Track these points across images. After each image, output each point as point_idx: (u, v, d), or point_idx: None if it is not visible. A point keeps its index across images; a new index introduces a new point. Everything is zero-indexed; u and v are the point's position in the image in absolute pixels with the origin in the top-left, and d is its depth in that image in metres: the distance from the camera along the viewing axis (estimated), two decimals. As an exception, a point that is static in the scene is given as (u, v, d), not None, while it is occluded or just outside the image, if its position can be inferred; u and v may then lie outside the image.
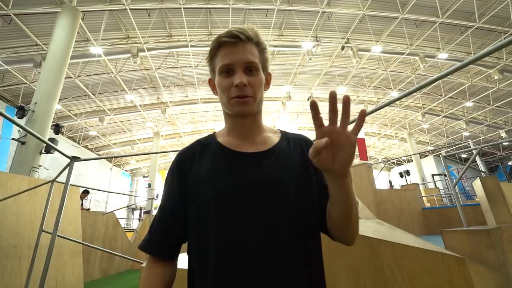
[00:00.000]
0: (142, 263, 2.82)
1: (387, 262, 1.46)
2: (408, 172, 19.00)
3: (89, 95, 12.64)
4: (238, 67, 0.62)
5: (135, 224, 20.56)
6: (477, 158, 11.18)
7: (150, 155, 18.73)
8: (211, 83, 0.72)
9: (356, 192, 6.20)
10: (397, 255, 1.44)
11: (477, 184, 2.95)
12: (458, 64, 1.55)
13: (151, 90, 14.11)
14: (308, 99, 15.67)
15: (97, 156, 17.74)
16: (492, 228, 1.84)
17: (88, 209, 7.65)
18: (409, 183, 15.98)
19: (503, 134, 17.44)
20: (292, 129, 16.53)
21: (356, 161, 22.16)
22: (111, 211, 6.40)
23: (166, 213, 0.67)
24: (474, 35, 10.59)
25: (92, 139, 17.53)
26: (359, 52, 11.12)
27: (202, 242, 0.59)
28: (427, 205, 10.90)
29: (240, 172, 0.62)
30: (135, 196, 16.64)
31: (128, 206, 15.33)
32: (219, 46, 0.64)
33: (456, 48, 11.37)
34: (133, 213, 23.60)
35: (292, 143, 0.70)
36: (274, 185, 0.60)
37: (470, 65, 11.70)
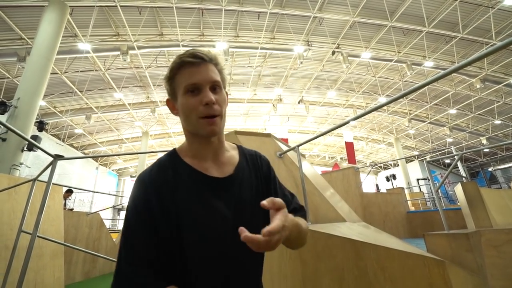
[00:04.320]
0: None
1: (370, 264, 1.48)
2: (394, 176, 19.43)
3: (75, 92, 12.31)
4: (204, 86, 0.62)
5: (121, 225, 20.11)
6: (459, 164, 11.60)
7: (138, 154, 18.38)
8: (170, 104, 0.70)
9: (343, 196, 6.28)
10: (380, 257, 1.47)
11: (458, 189, 3.06)
12: (442, 72, 1.61)
13: (141, 89, 13.88)
14: (299, 102, 15.83)
15: (83, 155, 17.25)
16: (471, 231, 1.90)
17: (72, 209, 7.42)
18: (395, 187, 16.34)
19: (484, 141, 18.17)
20: (282, 131, 16.61)
21: (345, 164, 22.54)
22: (96, 212, 6.22)
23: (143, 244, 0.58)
24: (458, 45, 11.01)
25: (78, 137, 17.05)
26: (349, 58, 11.35)
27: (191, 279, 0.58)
28: (412, 208, 11.18)
29: (218, 201, 0.64)
30: (121, 196, 16.30)
31: (114, 207, 14.97)
32: (180, 66, 0.63)
33: (441, 57, 11.80)
34: (119, 214, 23.06)
35: (250, 160, 0.75)
36: (243, 209, 0.66)
37: (454, 74, 12.13)
